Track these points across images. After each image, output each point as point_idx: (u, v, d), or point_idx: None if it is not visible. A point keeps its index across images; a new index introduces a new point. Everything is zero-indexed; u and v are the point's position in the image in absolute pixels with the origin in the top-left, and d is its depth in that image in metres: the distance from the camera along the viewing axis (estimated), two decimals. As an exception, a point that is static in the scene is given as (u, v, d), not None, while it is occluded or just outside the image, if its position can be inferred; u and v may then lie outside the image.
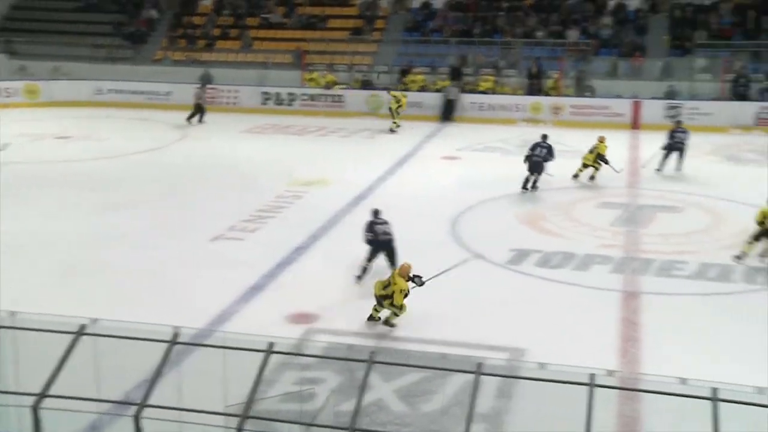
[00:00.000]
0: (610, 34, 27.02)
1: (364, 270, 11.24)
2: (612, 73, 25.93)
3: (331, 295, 10.82)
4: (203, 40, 29.83)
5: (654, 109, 23.34)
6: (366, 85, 26.53)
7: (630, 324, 10.00)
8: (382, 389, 8.00)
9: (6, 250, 11.93)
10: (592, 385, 5.20)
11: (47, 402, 5.87)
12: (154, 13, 31.26)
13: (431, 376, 8.06)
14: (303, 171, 17.79)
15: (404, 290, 9.58)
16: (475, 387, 5.44)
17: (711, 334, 9.68)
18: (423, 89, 25.38)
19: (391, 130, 22.75)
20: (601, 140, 17.00)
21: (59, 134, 21.75)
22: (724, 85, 24.41)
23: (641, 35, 26.91)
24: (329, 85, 25.84)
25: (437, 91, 25.15)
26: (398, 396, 7.98)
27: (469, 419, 5.29)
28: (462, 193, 15.98)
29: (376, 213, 11.65)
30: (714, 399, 4.99)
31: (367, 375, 5.59)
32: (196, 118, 23.77)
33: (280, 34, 29.72)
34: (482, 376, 5.53)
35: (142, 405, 5.71)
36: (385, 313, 9.83)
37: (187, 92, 26.52)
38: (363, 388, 5.57)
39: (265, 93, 26.09)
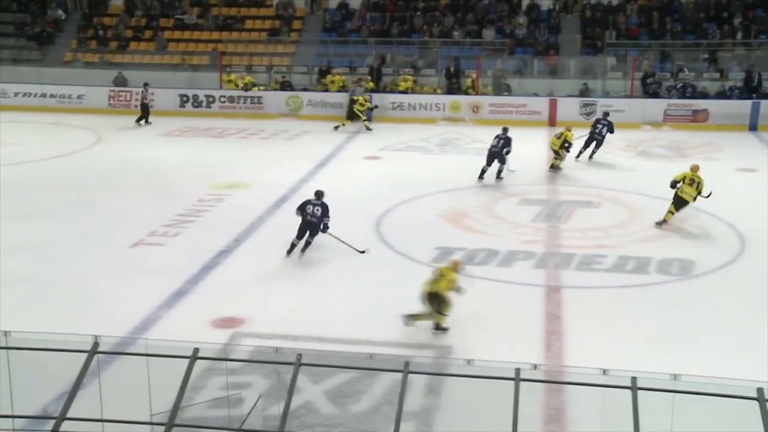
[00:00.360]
0: (524, 33, 27.60)
1: (293, 246, 12.11)
2: (528, 72, 26.51)
3: (257, 299, 10.70)
4: (115, 42, 29.08)
5: (570, 107, 23.90)
6: (285, 86, 26.36)
7: (553, 318, 10.21)
8: (311, 391, 7.96)
9: None
10: (517, 379, 5.26)
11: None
12: (60, 13, 30.30)
13: (359, 377, 8.06)
14: (224, 174, 17.54)
15: (454, 282, 9.57)
16: (404, 385, 5.45)
17: (630, 325, 9.97)
18: (342, 89, 25.34)
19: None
20: (569, 128, 17.94)
21: (-38, 140, 20.85)
22: (634, 83, 25.24)
23: (555, 34, 27.60)
24: (248, 87, 25.57)
25: (342, 89, 25.25)
26: (327, 397, 7.95)
27: (399, 417, 5.29)
28: (385, 192, 16.04)
29: (317, 194, 12.27)
30: (633, 388, 5.12)
31: (294, 377, 5.53)
32: (143, 120, 23.49)
33: (195, 35, 29.24)
34: (410, 375, 5.54)
35: (61, 418, 5.49)
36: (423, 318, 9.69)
37: (101, 95, 25.89)
38: (291, 390, 5.50)
39: (183, 95, 25.63)
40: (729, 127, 22.84)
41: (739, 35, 26.51)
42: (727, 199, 14.78)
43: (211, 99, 25.60)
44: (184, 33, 29.36)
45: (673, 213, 13.80)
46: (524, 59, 26.75)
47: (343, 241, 12.24)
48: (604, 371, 5.86)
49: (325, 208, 12.05)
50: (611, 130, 18.98)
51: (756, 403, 4.87)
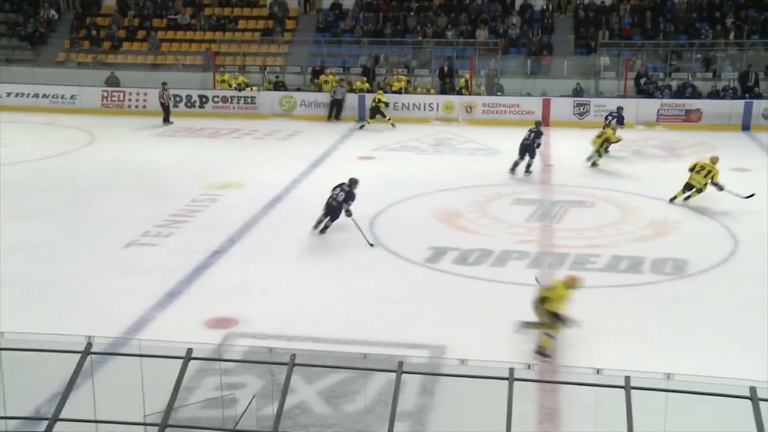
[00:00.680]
0: (518, 33, 27.63)
1: (319, 222, 12.99)
2: (521, 72, 26.54)
3: (250, 299, 10.67)
4: (108, 42, 29.00)
5: (563, 107, 23.98)
6: (278, 86, 26.33)
7: (546, 317, 10.19)
8: (305, 391, 7.95)
9: None
10: (511, 379, 5.27)
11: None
12: (53, 13, 30.20)
13: (353, 376, 8.04)
14: (217, 174, 17.51)
15: (563, 298, 9.01)
16: (397, 385, 5.45)
17: (623, 324, 9.98)
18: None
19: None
20: (613, 128, 18.97)
21: (-44, 141, 20.77)
22: (627, 82, 25.29)
23: (548, 34, 27.64)
24: (241, 87, 25.53)
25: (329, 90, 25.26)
26: (321, 397, 7.94)
27: (393, 417, 5.29)
28: (379, 192, 16.01)
29: (350, 181, 13.19)
30: (627, 387, 5.13)
31: (288, 377, 5.52)
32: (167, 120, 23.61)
33: (188, 35, 29.20)
34: (404, 375, 5.54)
35: (54, 419, 5.47)
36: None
37: (94, 95, 25.82)
38: (285, 391, 5.50)
39: (176, 95, 25.56)
40: (722, 127, 22.95)
41: (732, 35, 26.62)
42: (720, 198, 14.91)
43: (204, 99, 25.55)
44: (177, 33, 29.31)
45: (683, 192, 15.02)
46: (518, 59, 26.78)
47: (361, 231, 12.79)
48: (598, 371, 5.87)
49: (348, 195, 12.86)
50: (621, 122, 20.13)
51: (749, 402, 4.88)
